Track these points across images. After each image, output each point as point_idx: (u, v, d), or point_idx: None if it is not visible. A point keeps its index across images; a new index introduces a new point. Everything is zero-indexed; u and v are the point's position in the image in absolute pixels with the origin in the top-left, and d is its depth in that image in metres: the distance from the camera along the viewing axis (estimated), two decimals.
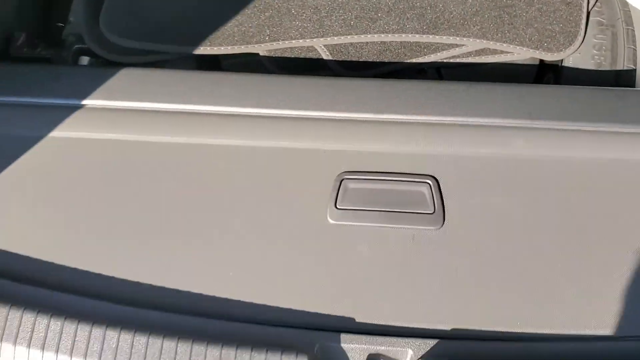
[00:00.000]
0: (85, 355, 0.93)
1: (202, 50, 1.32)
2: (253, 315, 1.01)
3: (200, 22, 1.35)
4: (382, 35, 1.34)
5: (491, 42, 1.31)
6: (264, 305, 1.01)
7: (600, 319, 0.98)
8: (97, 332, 0.94)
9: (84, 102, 1.14)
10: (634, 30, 1.33)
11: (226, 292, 1.02)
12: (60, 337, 0.93)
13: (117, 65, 1.23)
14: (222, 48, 1.32)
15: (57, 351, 0.93)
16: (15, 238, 1.05)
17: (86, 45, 1.32)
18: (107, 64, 1.34)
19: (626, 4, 1.35)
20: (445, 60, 1.34)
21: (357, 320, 1.01)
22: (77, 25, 1.35)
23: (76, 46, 1.34)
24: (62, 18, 1.39)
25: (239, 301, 1.02)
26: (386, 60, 1.35)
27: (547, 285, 1.01)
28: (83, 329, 0.94)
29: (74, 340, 0.93)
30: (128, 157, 1.11)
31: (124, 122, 1.13)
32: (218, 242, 1.05)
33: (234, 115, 1.13)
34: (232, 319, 1.00)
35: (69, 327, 0.94)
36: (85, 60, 1.33)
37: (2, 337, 0.94)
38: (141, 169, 1.10)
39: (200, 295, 1.02)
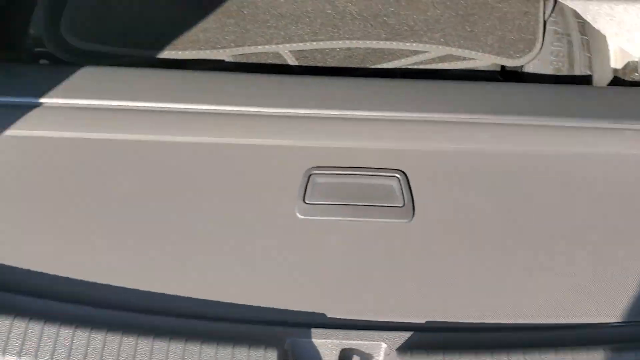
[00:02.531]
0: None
1: (166, 54, 1.31)
2: (223, 314, 0.97)
3: (164, 27, 1.34)
4: (347, 42, 1.35)
5: (454, 49, 1.34)
6: (235, 304, 0.97)
7: (569, 308, 0.98)
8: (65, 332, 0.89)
9: (42, 100, 1.11)
10: (588, 40, 1.38)
11: (195, 291, 0.98)
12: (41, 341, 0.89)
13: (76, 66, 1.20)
14: (187, 52, 1.31)
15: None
16: None
17: (46, 48, 1.29)
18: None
19: (579, 16, 1.41)
20: (409, 67, 1.36)
21: (328, 315, 0.98)
22: (37, 29, 1.32)
23: (36, 49, 1.31)
24: (23, 25, 1.35)
25: (208, 300, 0.98)
26: (351, 66, 1.35)
27: (515, 277, 1.00)
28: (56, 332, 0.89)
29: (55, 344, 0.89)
30: (86, 155, 1.07)
31: (81, 120, 1.10)
32: (186, 241, 1.01)
33: (201, 113, 1.11)
34: (200, 317, 0.96)
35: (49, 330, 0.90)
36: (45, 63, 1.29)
37: None
38: (100, 167, 1.07)
39: (168, 295, 0.98)
